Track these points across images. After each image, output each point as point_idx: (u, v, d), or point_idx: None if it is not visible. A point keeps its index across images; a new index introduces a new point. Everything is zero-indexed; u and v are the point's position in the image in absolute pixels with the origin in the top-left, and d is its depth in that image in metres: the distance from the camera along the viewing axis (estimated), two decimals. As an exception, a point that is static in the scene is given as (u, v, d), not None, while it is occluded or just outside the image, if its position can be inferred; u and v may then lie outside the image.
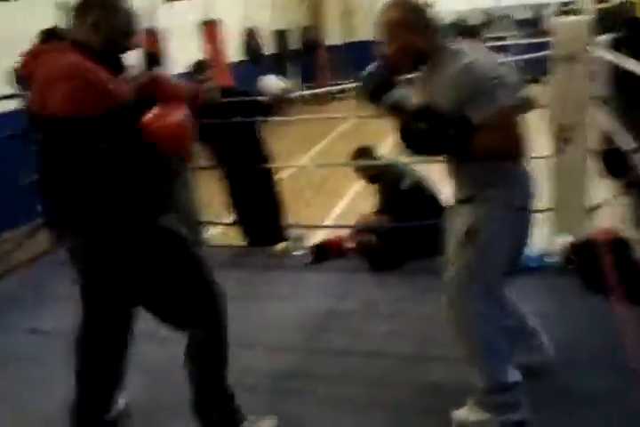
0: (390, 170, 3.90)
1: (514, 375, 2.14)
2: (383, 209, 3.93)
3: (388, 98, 2.16)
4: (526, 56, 4.33)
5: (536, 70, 11.71)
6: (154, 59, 6.94)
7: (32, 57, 1.90)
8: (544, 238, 3.58)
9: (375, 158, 4.04)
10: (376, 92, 2.17)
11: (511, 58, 5.04)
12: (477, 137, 1.88)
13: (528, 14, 14.48)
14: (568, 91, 3.00)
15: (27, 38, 2.71)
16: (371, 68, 2.20)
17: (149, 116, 1.81)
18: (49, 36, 1.91)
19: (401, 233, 3.78)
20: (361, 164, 3.99)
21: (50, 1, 5.19)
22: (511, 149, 1.94)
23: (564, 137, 3.17)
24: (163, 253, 2.01)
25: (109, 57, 1.88)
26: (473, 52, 1.98)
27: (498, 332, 2.15)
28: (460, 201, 2.16)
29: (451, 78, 1.93)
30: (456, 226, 2.13)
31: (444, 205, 3.97)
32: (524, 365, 2.25)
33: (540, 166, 5.20)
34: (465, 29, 13.81)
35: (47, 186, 1.95)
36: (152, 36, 7.07)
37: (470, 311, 2.11)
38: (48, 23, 4.98)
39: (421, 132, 1.92)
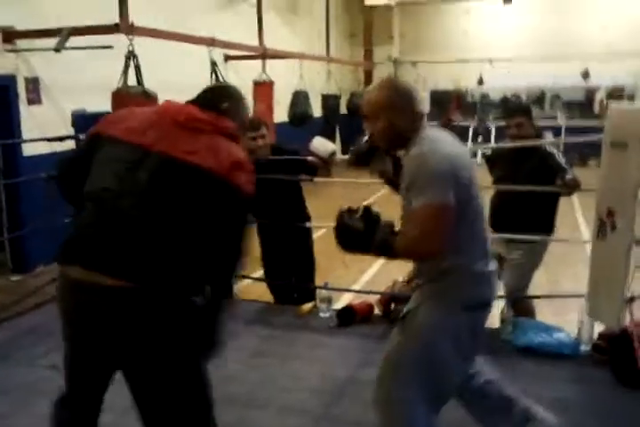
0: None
1: None
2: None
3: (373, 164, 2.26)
4: (580, 139, 4.33)
5: (584, 153, 11.76)
6: None
7: (208, 119, 1.92)
8: (579, 325, 3.49)
9: None
10: (361, 159, 2.30)
11: (554, 138, 5.05)
12: (399, 235, 1.92)
13: (579, 96, 14.61)
14: (617, 177, 2.97)
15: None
16: (361, 141, 2.31)
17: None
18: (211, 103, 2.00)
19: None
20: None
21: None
22: (428, 246, 1.88)
23: (608, 223, 3.12)
24: (185, 330, 1.88)
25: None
26: (438, 141, 2.00)
27: None
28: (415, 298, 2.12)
29: (408, 163, 1.98)
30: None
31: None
32: None
33: (580, 250, 5.21)
34: (513, 106, 14.00)
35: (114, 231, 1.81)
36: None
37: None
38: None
39: (354, 233, 1.97)
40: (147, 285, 1.77)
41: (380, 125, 2.05)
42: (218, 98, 1.99)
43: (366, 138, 2.28)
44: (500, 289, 3.97)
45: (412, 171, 1.93)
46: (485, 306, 2.09)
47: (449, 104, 15.34)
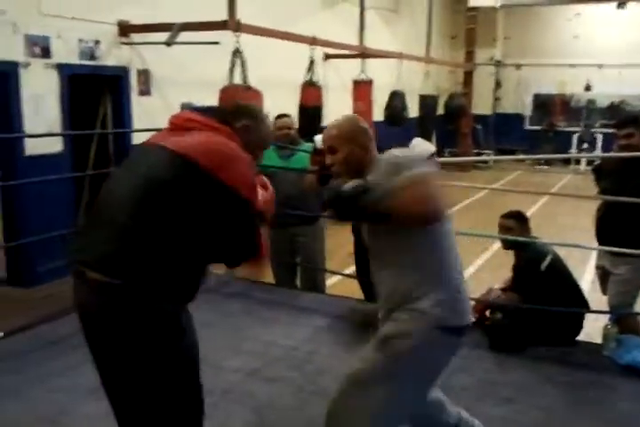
0: (531, 248, 3.74)
1: None
2: (516, 287, 3.76)
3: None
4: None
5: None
6: (315, 112, 7.25)
7: (202, 120, 1.97)
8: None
9: (527, 225, 3.89)
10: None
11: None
12: (394, 197, 1.89)
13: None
14: None
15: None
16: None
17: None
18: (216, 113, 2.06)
19: (530, 315, 3.59)
20: (502, 236, 3.87)
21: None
22: (429, 206, 1.89)
23: None
24: (162, 346, 1.82)
25: None
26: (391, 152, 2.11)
27: None
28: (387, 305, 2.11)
29: (379, 169, 2.04)
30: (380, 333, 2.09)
31: (581, 292, 3.76)
32: None
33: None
34: (621, 113, 13.35)
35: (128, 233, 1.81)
36: (313, 89, 7.37)
37: None
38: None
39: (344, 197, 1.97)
40: (133, 282, 1.76)
41: (343, 156, 2.16)
42: (235, 116, 2.04)
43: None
44: (606, 304, 3.79)
45: (386, 165, 2.03)
46: (461, 332, 2.07)
47: (552, 108, 14.81)
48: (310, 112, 7.21)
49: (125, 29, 5.94)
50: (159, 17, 5.88)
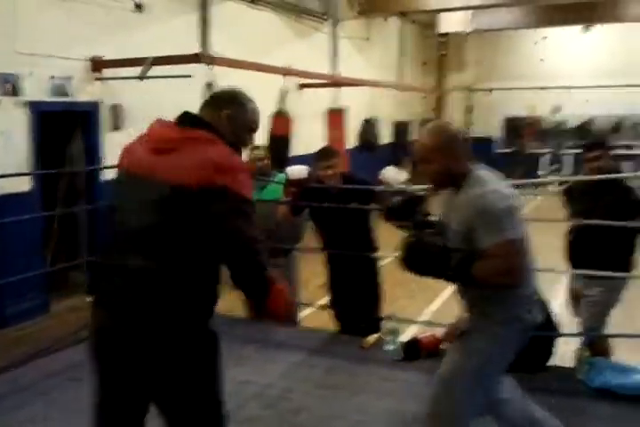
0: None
1: None
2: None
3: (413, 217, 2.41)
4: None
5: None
6: (283, 142, 7.31)
7: (178, 136, 1.95)
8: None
9: None
10: (394, 213, 2.50)
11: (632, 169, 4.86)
12: (480, 265, 2.07)
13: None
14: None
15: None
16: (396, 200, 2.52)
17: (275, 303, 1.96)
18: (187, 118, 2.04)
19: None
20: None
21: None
22: (513, 278, 2.08)
23: None
24: (202, 356, 1.95)
25: (235, 149, 2.01)
26: (493, 181, 2.18)
27: None
28: (472, 316, 2.34)
29: (469, 202, 2.14)
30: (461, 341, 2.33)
31: (551, 317, 3.80)
32: None
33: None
34: (590, 134, 13.65)
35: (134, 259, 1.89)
36: (283, 119, 7.44)
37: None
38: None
39: (428, 255, 2.15)
40: (162, 315, 1.86)
41: (436, 168, 2.22)
42: (221, 103, 2.03)
43: (400, 197, 2.48)
44: (577, 327, 3.83)
45: (478, 209, 2.10)
46: (532, 328, 2.31)
47: (523, 131, 15.06)
48: (280, 142, 7.27)
49: (98, 65, 5.99)
50: (131, 51, 5.93)
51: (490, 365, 2.25)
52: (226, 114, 2.01)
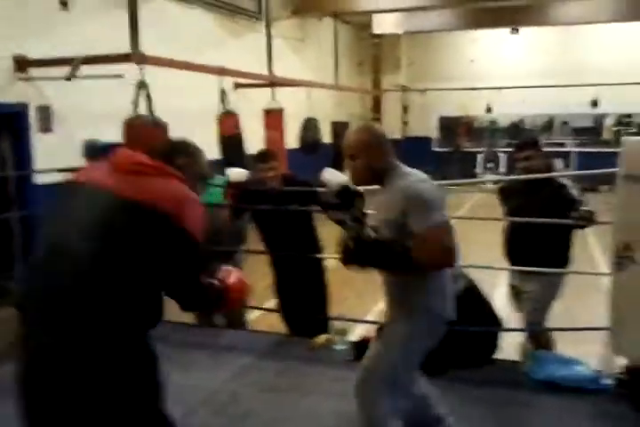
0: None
1: None
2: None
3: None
4: (594, 172, 4.29)
5: (594, 179, 11.67)
6: (236, 140, 7.20)
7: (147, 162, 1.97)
8: (601, 359, 3.41)
9: None
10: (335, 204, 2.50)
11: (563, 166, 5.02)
12: (418, 248, 2.19)
13: (587, 122, 14.66)
14: (634, 211, 2.93)
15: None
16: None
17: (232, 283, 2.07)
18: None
19: (447, 338, 3.64)
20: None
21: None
22: (450, 257, 2.23)
23: (625, 256, 3.07)
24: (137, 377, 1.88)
25: None
26: (418, 174, 2.34)
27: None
28: (392, 309, 2.48)
29: (398, 192, 2.29)
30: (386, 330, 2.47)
31: (496, 312, 3.86)
32: None
33: (598, 283, 5.12)
34: (522, 133, 14.07)
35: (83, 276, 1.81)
36: (230, 118, 7.32)
37: (375, 407, 2.40)
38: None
39: (366, 246, 2.29)
40: (96, 325, 1.78)
41: (358, 164, 2.37)
42: (172, 154, 2.08)
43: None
44: (519, 322, 3.90)
45: (410, 196, 2.25)
46: (448, 321, 2.46)
47: (457, 130, 15.41)
48: (232, 141, 7.17)
49: (23, 64, 5.72)
50: (59, 50, 5.69)
51: (409, 353, 2.39)
52: (182, 162, 2.06)
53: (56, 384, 1.80)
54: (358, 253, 2.30)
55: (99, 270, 1.79)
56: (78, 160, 5.00)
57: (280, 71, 9.07)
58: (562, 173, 6.94)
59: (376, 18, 13.19)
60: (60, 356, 1.79)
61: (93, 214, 1.85)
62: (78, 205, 1.90)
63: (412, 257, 2.20)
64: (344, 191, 2.47)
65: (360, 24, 14.20)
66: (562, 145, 14.30)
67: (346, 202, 2.45)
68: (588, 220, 3.43)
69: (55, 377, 1.80)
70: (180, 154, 2.09)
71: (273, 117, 8.71)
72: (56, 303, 1.79)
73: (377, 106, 14.44)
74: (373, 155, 2.36)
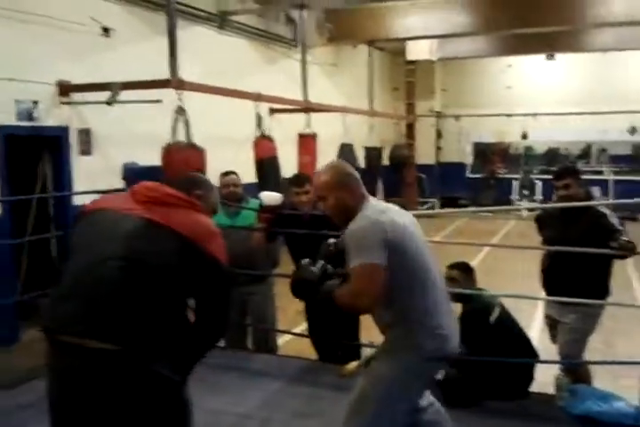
0: (478, 300, 3.74)
1: None
2: (462, 339, 3.72)
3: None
4: (632, 201, 4.21)
5: (633, 208, 11.42)
6: (271, 164, 7.28)
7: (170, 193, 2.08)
8: (641, 393, 3.29)
9: (472, 276, 3.90)
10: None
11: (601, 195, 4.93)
12: (340, 288, 2.26)
13: (626, 150, 14.44)
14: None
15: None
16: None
17: None
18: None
19: (482, 368, 3.57)
20: (450, 290, 3.85)
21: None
22: (360, 301, 2.22)
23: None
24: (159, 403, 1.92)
25: None
26: (374, 211, 2.33)
27: None
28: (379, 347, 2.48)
29: (346, 234, 2.31)
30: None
31: (530, 342, 3.77)
32: None
33: (638, 315, 4.98)
34: (558, 159, 13.92)
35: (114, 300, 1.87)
36: (266, 142, 7.40)
37: None
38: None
39: (307, 282, 2.40)
40: (126, 348, 1.83)
41: (329, 204, 2.41)
42: (189, 187, 2.19)
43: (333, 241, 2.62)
44: (556, 353, 3.80)
45: (347, 237, 2.28)
46: (442, 359, 2.40)
47: (492, 156, 15.31)
48: (267, 164, 7.25)
49: (65, 89, 5.89)
50: (100, 76, 5.85)
51: (394, 392, 2.30)
52: (197, 195, 2.16)
53: (85, 409, 1.84)
54: (296, 287, 2.45)
55: (129, 295, 1.85)
56: (116, 182, 5.09)
57: (314, 97, 9.16)
58: (601, 201, 6.83)
59: (410, 44, 13.27)
60: (89, 380, 1.82)
61: (124, 239, 1.91)
62: (110, 231, 1.96)
63: (333, 298, 2.27)
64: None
65: (394, 50, 14.30)
66: (599, 173, 14.08)
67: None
68: (629, 250, 3.35)
69: (84, 402, 1.84)
70: (198, 187, 2.21)
71: (306, 142, 8.77)
72: (85, 328, 1.83)
73: (411, 131, 14.44)
74: (340, 194, 2.39)
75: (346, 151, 9.68)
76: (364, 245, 2.20)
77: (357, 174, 2.47)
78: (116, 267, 1.87)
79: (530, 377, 3.68)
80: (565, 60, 14.23)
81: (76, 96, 5.99)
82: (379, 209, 2.38)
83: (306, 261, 2.49)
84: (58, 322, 1.89)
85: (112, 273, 1.86)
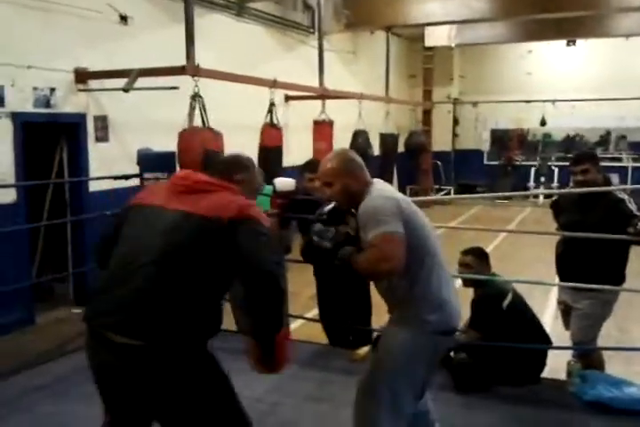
0: (491, 285, 3.75)
1: None
2: (474, 324, 3.74)
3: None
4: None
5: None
6: (276, 153, 7.29)
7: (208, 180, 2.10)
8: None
9: (486, 261, 3.91)
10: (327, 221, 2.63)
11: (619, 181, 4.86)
12: (361, 255, 2.29)
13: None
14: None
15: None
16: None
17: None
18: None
19: (493, 354, 3.58)
20: (460, 275, 3.86)
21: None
22: (388, 264, 2.22)
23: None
24: (207, 377, 2.05)
25: None
26: (382, 190, 2.44)
27: None
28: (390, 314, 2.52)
29: (359, 213, 2.39)
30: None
31: (543, 328, 3.77)
32: None
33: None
34: (577, 146, 13.77)
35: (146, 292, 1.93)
36: (274, 131, 7.41)
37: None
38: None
39: (322, 250, 2.44)
40: (160, 340, 1.89)
41: (335, 189, 2.48)
42: (232, 170, 2.20)
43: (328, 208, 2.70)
44: (568, 339, 3.80)
45: (362, 214, 2.35)
46: (447, 333, 2.43)
47: (510, 143, 15.17)
48: (271, 153, 7.24)
49: (82, 76, 5.92)
50: (117, 63, 5.89)
51: (404, 366, 2.36)
52: (241, 177, 2.18)
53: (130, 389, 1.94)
54: (309, 253, 2.56)
55: (169, 285, 1.90)
56: (132, 168, 5.14)
57: (331, 83, 9.13)
58: (619, 186, 6.75)
59: (428, 30, 13.14)
60: (123, 376, 1.91)
61: (160, 235, 1.95)
62: (150, 226, 2.00)
63: (352, 262, 2.31)
64: (333, 210, 2.64)
65: (412, 37, 14.18)
66: (618, 160, 13.91)
67: (335, 218, 2.62)
68: None
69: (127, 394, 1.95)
70: (239, 170, 2.21)
71: (322, 129, 8.77)
72: (129, 317, 1.90)
73: (427, 118, 14.35)
74: (346, 180, 2.46)
75: (360, 138, 9.65)
76: (382, 217, 2.27)
77: (362, 161, 2.55)
78: (150, 263, 1.92)
79: (542, 363, 3.68)
80: (586, 46, 14.01)
81: (94, 83, 6.03)
82: (386, 190, 2.49)
83: (318, 226, 2.53)
84: (94, 313, 1.99)
85: (147, 270, 1.91)
